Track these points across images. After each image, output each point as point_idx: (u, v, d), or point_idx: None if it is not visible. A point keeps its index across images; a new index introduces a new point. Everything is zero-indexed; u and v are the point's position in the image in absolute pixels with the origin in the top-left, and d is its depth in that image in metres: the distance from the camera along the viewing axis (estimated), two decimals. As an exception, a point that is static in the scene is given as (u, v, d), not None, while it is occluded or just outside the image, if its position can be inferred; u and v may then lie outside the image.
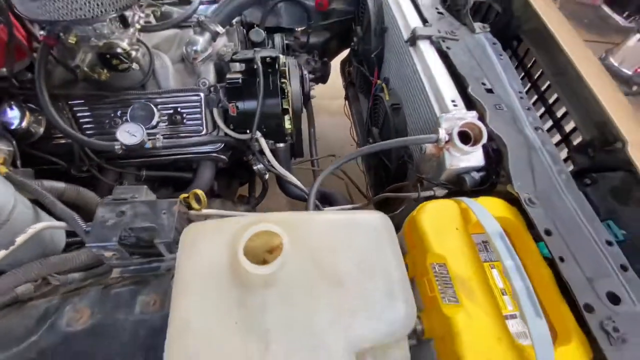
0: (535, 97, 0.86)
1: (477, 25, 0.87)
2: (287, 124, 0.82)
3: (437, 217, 0.55)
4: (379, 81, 1.04)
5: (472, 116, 0.65)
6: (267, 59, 0.78)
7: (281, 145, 0.96)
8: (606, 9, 3.52)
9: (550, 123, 0.81)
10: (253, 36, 1.09)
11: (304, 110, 1.11)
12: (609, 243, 0.54)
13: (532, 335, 0.43)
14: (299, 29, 1.36)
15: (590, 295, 0.48)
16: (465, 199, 0.57)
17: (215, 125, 0.81)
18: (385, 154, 0.95)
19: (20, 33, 0.77)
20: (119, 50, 0.72)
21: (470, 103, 0.70)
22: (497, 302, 0.49)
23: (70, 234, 0.57)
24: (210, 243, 0.37)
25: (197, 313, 0.33)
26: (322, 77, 1.44)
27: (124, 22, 0.77)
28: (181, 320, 0.32)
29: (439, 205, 0.57)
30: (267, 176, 0.95)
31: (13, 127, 0.68)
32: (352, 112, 1.51)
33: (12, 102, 0.69)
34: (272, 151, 0.96)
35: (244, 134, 0.79)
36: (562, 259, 0.50)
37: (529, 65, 0.89)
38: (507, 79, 0.75)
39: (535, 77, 0.87)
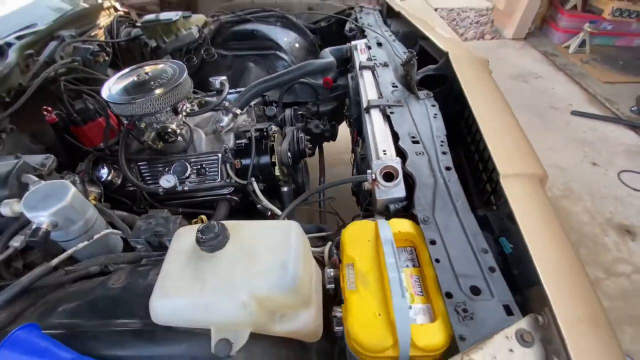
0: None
1: (422, 93, 1.12)
2: (277, 172, 1.12)
3: (355, 232, 0.77)
4: (358, 138, 1.32)
5: (394, 162, 0.88)
6: (264, 130, 1.12)
7: (284, 189, 1.26)
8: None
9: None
10: (267, 112, 1.47)
11: (303, 162, 1.42)
12: (485, 251, 0.69)
13: (394, 309, 0.61)
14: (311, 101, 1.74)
15: (454, 287, 0.64)
16: (378, 219, 0.78)
17: (228, 175, 1.15)
18: (359, 192, 1.19)
19: (113, 120, 1.23)
20: (169, 130, 1.13)
21: (399, 152, 0.93)
22: (386, 291, 0.67)
23: (126, 244, 0.90)
24: (187, 235, 0.65)
25: (173, 268, 0.60)
26: (331, 136, 1.77)
27: (175, 112, 1.19)
28: (164, 272, 0.60)
29: (359, 224, 0.79)
30: (269, 213, 1.24)
31: (102, 179, 1.09)
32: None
33: (104, 164, 1.11)
34: (278, 193, 1.27)
35: (245, 180, 1.10)
36: (437, 261, 0.68)
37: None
38: (435, 132, 0.97)
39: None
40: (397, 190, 0.86)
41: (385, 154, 0.92)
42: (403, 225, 0.78)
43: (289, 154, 1.15)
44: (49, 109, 1.09)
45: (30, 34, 1.31)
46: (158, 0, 1.82)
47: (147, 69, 1.16)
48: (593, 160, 2.33)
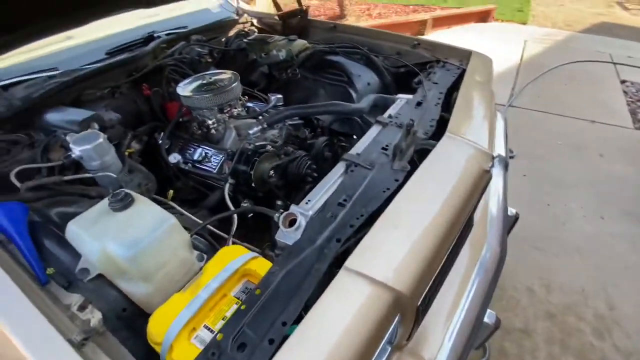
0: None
1: (400, 164, 1.07)
2: (253, 184, 1.31)
3: (228, 253, 0.88)
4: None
5: (299, 211, 0.93)
6: (258, 146, 1.33)
7: (278, 202, 1.43)
8: None
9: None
10: (300, 134, 1.65)
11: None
12: (284, 323, 0.69)
13: (176, 317, 0.71)
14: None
15: (229, 333, 0.68)
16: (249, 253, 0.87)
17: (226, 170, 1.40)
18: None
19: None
20: (205, 123, 1.47)
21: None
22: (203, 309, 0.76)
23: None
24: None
25: (93, 211, 0.88)
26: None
27: (221, 111, 1.53)
28: (89, 210, 0.89)
29: (237, 248, 0.89)
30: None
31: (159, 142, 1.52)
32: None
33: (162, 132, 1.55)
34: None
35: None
36: (242, 308, 0.73)
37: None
38: (367, 203, 0.94)
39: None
40: (293, 237, 0.91)
41: (307, 203, 0.98)
42: (262, 266, 0.84)
43: (271, 172, 1.31)
44: (146, 85, 1.60)
45: (174, 34, 1.90)
46: (281, 23, 2.23)
47: (213, 75, 1.53)
48: None
